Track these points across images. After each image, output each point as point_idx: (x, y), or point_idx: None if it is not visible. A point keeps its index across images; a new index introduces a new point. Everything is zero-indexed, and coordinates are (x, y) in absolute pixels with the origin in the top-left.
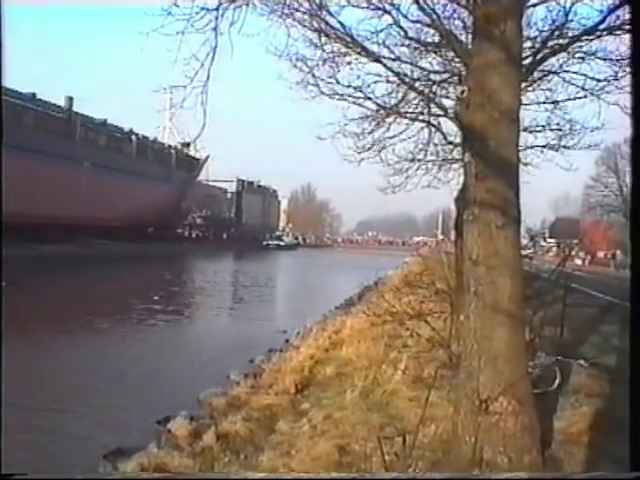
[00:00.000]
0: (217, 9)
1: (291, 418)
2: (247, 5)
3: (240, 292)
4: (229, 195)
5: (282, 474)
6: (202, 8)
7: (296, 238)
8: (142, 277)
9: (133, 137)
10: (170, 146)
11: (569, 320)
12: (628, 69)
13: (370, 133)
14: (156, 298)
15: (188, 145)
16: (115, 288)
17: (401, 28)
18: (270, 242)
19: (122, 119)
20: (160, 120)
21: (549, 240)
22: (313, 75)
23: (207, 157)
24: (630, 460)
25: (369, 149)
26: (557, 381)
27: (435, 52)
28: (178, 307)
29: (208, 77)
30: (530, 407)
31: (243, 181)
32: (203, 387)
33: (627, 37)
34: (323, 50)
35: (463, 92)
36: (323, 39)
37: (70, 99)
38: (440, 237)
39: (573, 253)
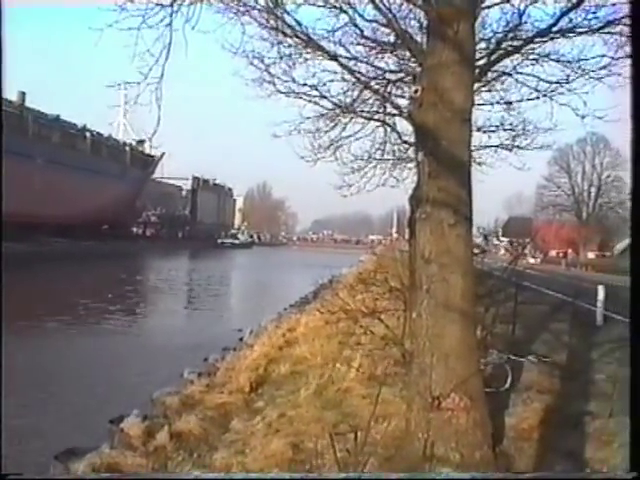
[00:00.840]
0: (171, 5)
1: (245, 416)
2: (202, 2)
3: (195, 291)
4: (184, 193)
5: (277, 474)
6: (157, 4)
7: (251, 236)
8: (96, 276)
9: (87, 134)
10: (125, 143)
11: (521, 318)
12: (580, 71)
13: (326, 132)
14: (110, 296)
15: (143, 142)
16: (69, 287)
17: (357, 27)
18: (225, 240)
19: (76, 116)
20: (114, 117)
21: (502, 239)
22: (269, 73)
23: (162, 154)
24: (630, 460)
25: (325, 148)
26: (509, 380)
27: (391, 52)
28: (132, 306)
29: (162, 73)
30: (482, 403)
31: (198, 179)
32: (157, 386)
33: (579, 39)
34: (279, 48)
35: (416, 91)
36: (279, 37)
37: (23, 94)
38: (395, 236)
39: (526, 252)
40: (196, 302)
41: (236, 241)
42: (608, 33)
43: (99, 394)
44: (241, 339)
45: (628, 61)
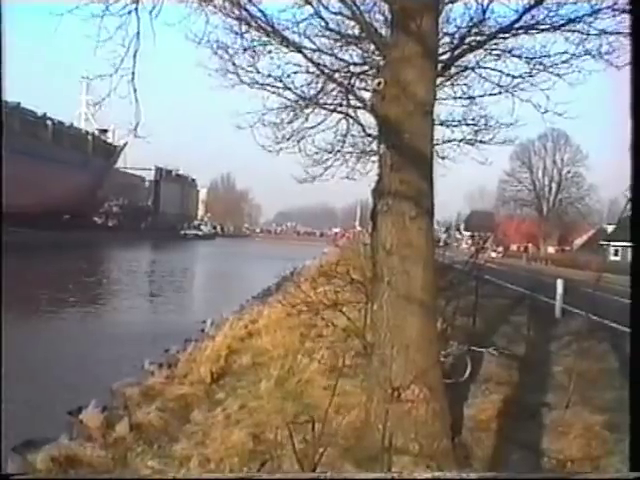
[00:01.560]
0: None
1: (206, 408)
2: None
3: (157, 282)
4: (147, 183)
5: (277, 474)
6: None
7: (214, 228)
8: (57, 266)
9: (48, 122)
10: (87, 132)
11: (481, 310)
12: (541, 67)
13: (289, 123)
14: (70, 287)
15: (105, 131)
16: (28, 278)
17: (322, 19)
18: (188, 232)
19: (39, 105)
20: (77, 106)
21: (465, 232)
22: (233, 63)
23: (125, 144)
24: (630, 460)
25: (288, 139)
26: (467, 371)
27: (355, 44)
28: (93, 297)
29: (134, 64)
30: (441, 395)
31: (161, 169)
32: (117, 377)
33: (541, 36)
34: (243, 38)
35: (379, 84)
36: (243, 27)
37: None
38: (358, 228)
39: (487, 245)
40: (158, 293)
41: (199, 232)
42: (569, 30)
43: (57, 385)
44: (203, 330)
45: (588, 58)
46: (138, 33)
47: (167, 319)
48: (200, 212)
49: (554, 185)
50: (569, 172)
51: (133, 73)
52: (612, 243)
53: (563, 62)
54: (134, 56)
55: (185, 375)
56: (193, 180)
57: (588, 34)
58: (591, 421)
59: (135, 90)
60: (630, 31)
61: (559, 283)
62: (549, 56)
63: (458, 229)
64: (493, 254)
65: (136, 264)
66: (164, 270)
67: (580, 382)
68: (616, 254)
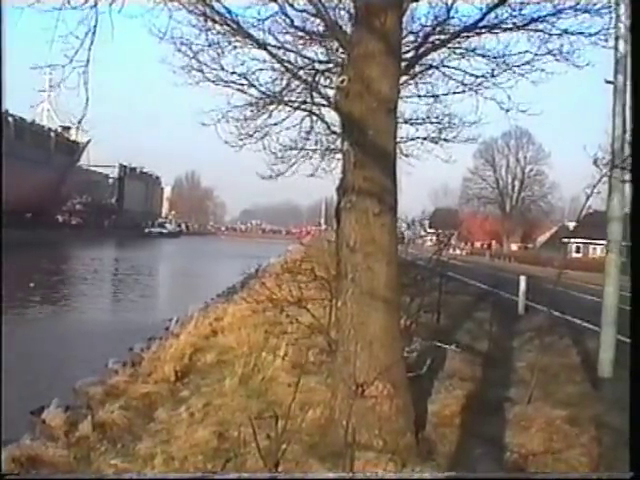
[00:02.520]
0: None
1: (170, 406)
2: None
3: (121, 280)
4: (111, 181)
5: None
6: None
7: (179, 226)
8: (18, 265)
9: (10, 118)
10: (50, 129)
11: (446, 307)
12: (504, 66)
13: (253, 120)
14: (32, 286)
15: (68, 128)
16: None
17: (287, 16)
18: (153, 230)
19: None
20: (39, 102)
21: (429, 230)
22: (197, 60)
23: (88, 141)
24: (630, 460)
25: (251, 136)
26: (427, 364)
27: (320, 42)
28: (56, 296)
29: (89, 57)
30: (405, 391)
31: (125, 167)
32: (80, 377)
33: (504, 35)
34: (208, 35)
35: (343, 81)
36: (208, 24)
37: None
38: (323, 226)
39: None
40: (123, 292)
41: (164, 230)
42: (532, 30)
43: (18, 385)
44: (167, 328)
45: (550, 57)
46: (95, 27)
47: (131, 318)
48: (165, 210)
49: (517, 183)
50: (532, 170)
51: (86, 66)
52: (574, 240)
53: (526, 61)
54: (89, 49)
55: (149, 373)
56: (157, 178)
57: (550, 34)
58: (552, 415)
59: (86, 83)
60: (630, 30)
61: (522, 280)
62: (512, 55)
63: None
64: (457, 251)
65: (100, 262)
66: (128, 268)
67: (542, 377)
68: (578, 251)
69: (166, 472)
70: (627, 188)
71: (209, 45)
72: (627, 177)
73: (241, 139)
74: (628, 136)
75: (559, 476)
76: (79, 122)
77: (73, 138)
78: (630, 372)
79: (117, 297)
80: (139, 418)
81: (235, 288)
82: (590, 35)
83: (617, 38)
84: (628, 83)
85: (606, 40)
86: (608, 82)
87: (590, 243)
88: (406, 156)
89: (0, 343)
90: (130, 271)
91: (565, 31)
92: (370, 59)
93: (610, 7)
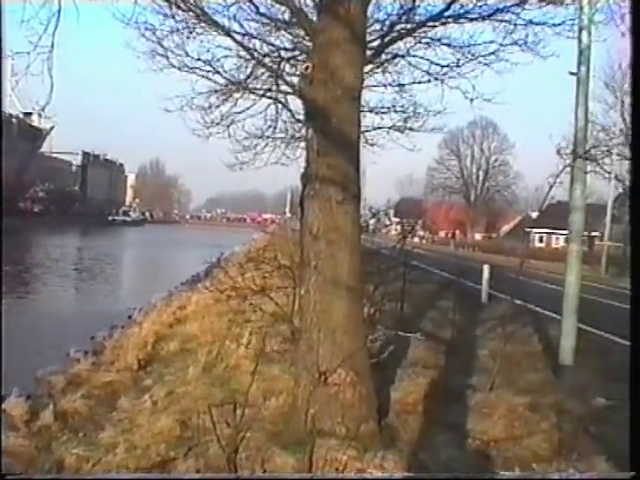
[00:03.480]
0: None
1: (133, 395)
2: None
3: (85, 269)
4: (74, 168)
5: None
6: None
7: (143, 214)
8: None
9: None
10: (12, 115)
11: (410, 296)
12: (470, 56)
13: (218, 107)
14: None
15: (31, 115)
16: None
17: (252, 3)
18: (116, 218)
19: None
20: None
21: (394, 219)
22: (162, 45)
23: (51, 128)
24: (630, 460)
25: (217, 124)
26: (388, 350)
27: (285, 29)
28: (18, 285)
29: (53, 43)
30: (367, 378)
31: (89, 154)
32: (42, 365)
33: (469, 25)
34: (172, 20)
35: (307, 68)
36: (173, 9)
37: None
38: (288, 214)
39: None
40: (86, 280)
41: (128, 218)
42: (497, 20)
43: None
44: (130, 317)
45: (515, 47)
46: (59, 11)
47: (94, 306)
48: (128, 198)
49: (482, 173)
50: (496, 160)
51: (50, 52)
52: (537, 230)
53: (491, 51)
54: (53, 34)
55: (112, 362)
56: (121, 165)
57: (515, 24)
58: (514, 402)
59: (50, 69)
60: (630, 30)
61: (485, 269)
62: (477, 45)
63: (387, 216)
64: (422, 240)
65: (63, 250)
66: (91, 257)
67: (504, 365)
68: (541, 241)
69: (148, 470)
70: (589, 179)
71: (173, 31)
72: (589, 168)
73: (207, 127)
74: (591, 127)
75: (559, 476)
76: (43, 109)
77: (35, 124)
78: (630, 372)
79: (80, 286)
80: (101, 407)
81: (199, 277)
82: (554, 26)
83: (580, 29)
84: (591, 74)
85: (570, 31)
86: (572, 73)
87: (553, 233)
88: (372, 145)
89: (0, 343)
90: (93, 260)
91: (530, 22)
92: (335, 47)
93: None
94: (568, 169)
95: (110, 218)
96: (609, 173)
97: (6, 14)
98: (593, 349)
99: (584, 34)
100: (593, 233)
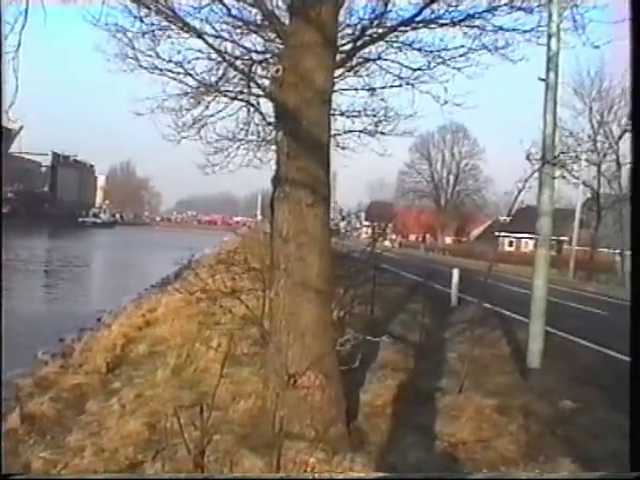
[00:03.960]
0: None
1: (101, 398)
2: None
3: (54, 271)
4: (43, 169)
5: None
6: None
7: (114, 216)
8: None
9: None
10: None
11: (380, 299)
12: (440, 60)
13: (189, 110)
14: None
15: None
16: None
17: (224, 5)
18: (87, 219)
19: None
20: None
21: (365, 222)
22: (132, 47)
23: (20, 128)
24: (630, 460)
25: (189, 127)
26: (358, 358)
27: (257, 32)
28: None
29: (20, 42)
30: (336, 381)
31: (58, 155)
32: (9, 368)
33: (440, 30)
34: (143, 22)
35: (278, 71)
36: (143, 11)
37: None
38: (259, 217)
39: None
40: (55, 282)
41: (98, 220)
42: (468, 25)
43: None
44: (99, 319)
45: (485, 52)
46: (27, 10)
47: (63, 309)
48: (99, 199)
49: (452, 177)
50: (467, 165)
51: (16, 51)
52: (506, 234)
53: (461, 56)
54: (20, 33)
55: (80, 365)
56: (91, 166)
57: (485, 29)
58: (482, 405)
59: (15, 70)
60: (630, 32)
61: (455, 272)
62: (448, 50)
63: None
64: (393, 244)
65: (32, 252)
66: (61, 259)
67: (473, 367)
68: (510, 245)
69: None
70: (557, 184)
71: (144, 33)
72: (557, 173)
73: (178, 132)
74: (559, 132)
75: (559, 476)
76: (7, 111)
77: (4, 124)
78: (630, 372)
79: (48, 288)
80: (69, 410)
81: (169, 279)
82: (524, 32)
83: (549, 36)
84: (560, 81)
85: (540, 37)
86: (540, 79)
87: (522, 237)
88: (343, 149)
89: (0, 347)
90: (63, 262)
91: (500, 28)
92: (306, 50)
93: (543, 5)
94: (537, 174)
95: (80, 220)
96: (577, 178)
97: (6, 14)
98: (561, 352)
99: (553, 41)
100: (561, 237)
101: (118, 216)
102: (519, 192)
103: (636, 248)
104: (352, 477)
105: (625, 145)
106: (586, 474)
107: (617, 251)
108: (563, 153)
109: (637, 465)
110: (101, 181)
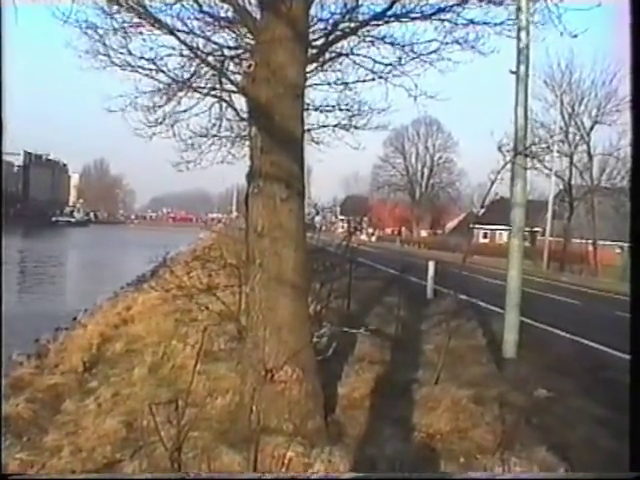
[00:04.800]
0: None
1: (78, 397)
2: None
3: (28, 271)
4: (15, 169)
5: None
6: None
7: (87, 214)
8: None
9: None
10: None
11: (356, 292)
12: (412, 54)
13: (161, 107)
14: None
15: None
16: None
17: (196, 2)
18: (60, 219)
19: None
20: None
21: (340, 217)
22: (104, 44)
23: None
24: (630, 460)
25: (160, 123)
26: (332, 348)
27: (229, 27)
28: None
29: None
30: (313, 375)
31: (30, 154)
32: None
33: (412, 24)
34: (114, 19)
35: (250, 66)
36: (114, 8)
37: None
38: (235, 214)
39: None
40: (29, 283)
41: (72, 219)
42: (439, 19)
43: None
44: (75, 319)
45: (456, 46)
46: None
47: (38, 309)
48: (72, 198)
49: (426, 170)
50: (441, 158)
51: None
52: (481, 226)
53: (433, 50)
54: None
55: (56, 365)
56: (64, 165)
57: (456, 23)
58: (458, 395)
59: None
60: (630, 29)
61: (430, 265)
62: (420, 44)
63: (334, 213)
64: (369, 238)
65: (4, 253)
66: (35, 259)
67: (449, 359)
68: (485, 237)
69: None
70: (530, 176)
71: (115, 29)
72: (530, 164)
73: (150, 127)
74: (531, 124)
75: (560, 476)
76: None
77: None
78: (630, 372)
79: (23, 288)
80: (45, 410)
81: (145, 277)
82: (495, 25)
83: (519, 29)
84: (531, 73)
85: (510, 30)
86: (512, 72)
87: (497, 229)
88: (317, 143)
89: (0, 348)
90: (36, 262)
91: (471, 21)
92: (277, 45)
93: None
94: (509, 166)
95: (54, 219)
96: (550, 170)
97: (6, 14)
98: (536, 342)
99: (523, 34)
100: (535, 229)
101: (92, 215)
102: (492, 183)
103: (635, 244)
104: (348, 477)
105: (596, 136)
106: (586, 474)
107: (590, 241)
108: (535, 144)
109: (637, 465)
110: (75, 180)
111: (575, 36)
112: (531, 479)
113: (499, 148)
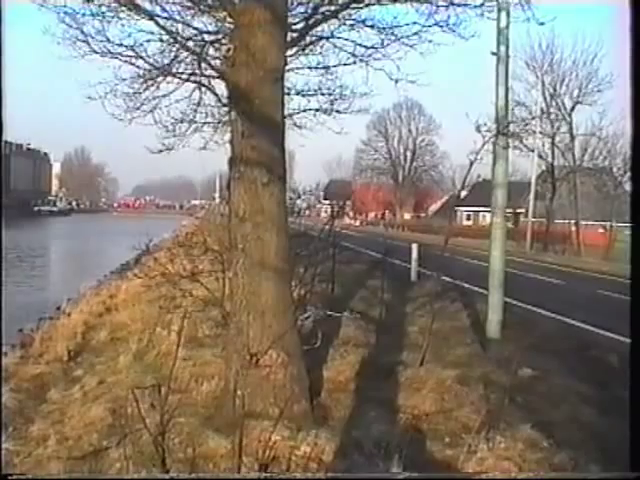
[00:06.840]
0: None
1: (63, 386)
2: None
3: (10, 261)
4: None
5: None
6: None
7: (70, 203)
8: None
9: None
10: None
11: (340, 276)
12: (393, 37)
13: (141, 94)
14: None
15: None
16: None
17: None
18: (42, 208)
19: None
20: None
21: (323, 201)
22: (82, 31)
23: None
24: (630, 460)
25: (138, 108)
26: (319, 337)
27: (208, 12)
28: None
29: None
30: (298, 358)
31: (10, 143)
32: None
33: (393, 7)
34: (91, 4)
35: (229, 50)
36: None
37: None
38: (217, 200)
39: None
40: (12, 273)
41: (54, 209)
42: (420, 2)
43: None
44: (58, 308)
45: (438, 29)
46: None
47: (21, 299)
48: (54, 187)
49: (409, 153)
50: (423, 140)
51: None
52: (464, 208)
53: (415, 34)
54: None
55: (41, 354)
56: (45, 154)
57: (438, 6)
58: (443, 376)
59: None
60: (630, 29)
61: (414, 247)
62: (401, 27)
63: (317, 197)
64: (354, 222)
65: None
66: (17, 249)
67: (434, 340)
68: (468, 219)
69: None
70: (512, 157)
71: (93, 15)
72: (510, 143)
73: (129, 112)
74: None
75: (560, 476)
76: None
77: None
78: (630, 372)
79: (5, 279)
80: (31, 400)
81: (129, 265)
82: (475, 7)
83: (499, 10)
84: (512, 54)
85: (491, 12)
86: (493, 53)
87: (480, 211)
88: (299, 128)
89: (0, 349)
90: (19, 252)
91: (452, 3)
92: (256, 28)
93: None
94: (490, 147)
95: (36, 209)
96: (532, 151)
97: (6, 14)
98: (520, 322)
99: (502, 15)
100: (518, 210)
101: (74, 204)
102: (471, 164)
103: (636, 226)
104: (348, 477)
105: (578, 117)
106: (586, 474)
107: (573, 222)
108: (513, 122)
109: (637, 465)
110: (56, 169)
111: (542, 24)
112: (531, 479)
113: (477, 128)
